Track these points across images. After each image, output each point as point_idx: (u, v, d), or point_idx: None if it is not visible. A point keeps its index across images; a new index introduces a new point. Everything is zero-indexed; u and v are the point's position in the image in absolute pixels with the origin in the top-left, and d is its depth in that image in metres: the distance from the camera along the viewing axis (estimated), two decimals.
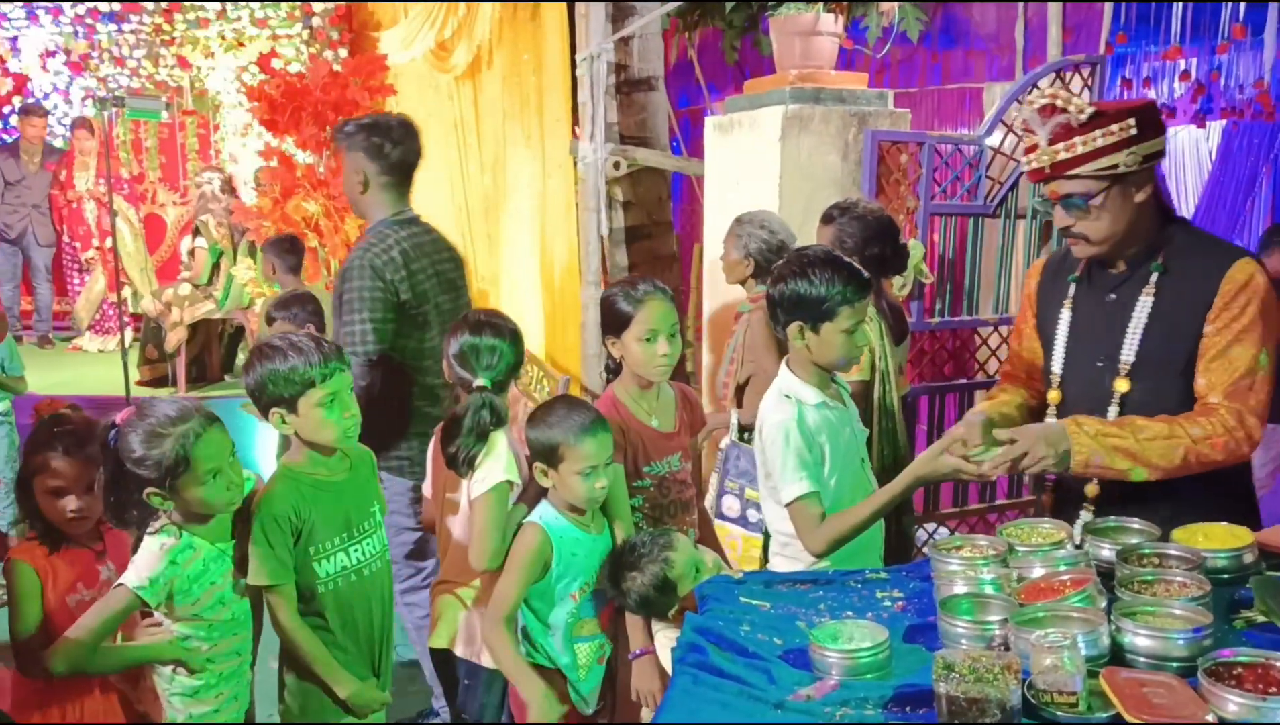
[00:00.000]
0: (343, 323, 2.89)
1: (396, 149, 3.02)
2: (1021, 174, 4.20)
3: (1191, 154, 9.68)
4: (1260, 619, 1.64)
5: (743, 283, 3.50)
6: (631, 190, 5.14)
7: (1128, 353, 2.09)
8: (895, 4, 4.38)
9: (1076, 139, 1.99)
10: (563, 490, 2.22)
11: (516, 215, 6.99)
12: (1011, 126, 4.16)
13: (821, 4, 4.07)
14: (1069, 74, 4.06)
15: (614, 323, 2.37)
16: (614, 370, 2.48)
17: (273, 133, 6.19)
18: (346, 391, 2.19)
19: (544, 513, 2.26)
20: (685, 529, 2.45)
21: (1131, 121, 1.98)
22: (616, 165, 4.82)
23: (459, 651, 2.42)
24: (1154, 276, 2.09)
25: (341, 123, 3.19)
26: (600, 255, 5.11)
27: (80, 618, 2.01)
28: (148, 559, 2.02)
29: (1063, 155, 2.01)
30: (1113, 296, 2.15)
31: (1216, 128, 8.91)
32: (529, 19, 5.77)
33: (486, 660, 2.36)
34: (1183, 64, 6.98)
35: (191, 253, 6.12)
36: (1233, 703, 1.33)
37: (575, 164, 5.06)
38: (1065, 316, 2.24)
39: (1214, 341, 2.02)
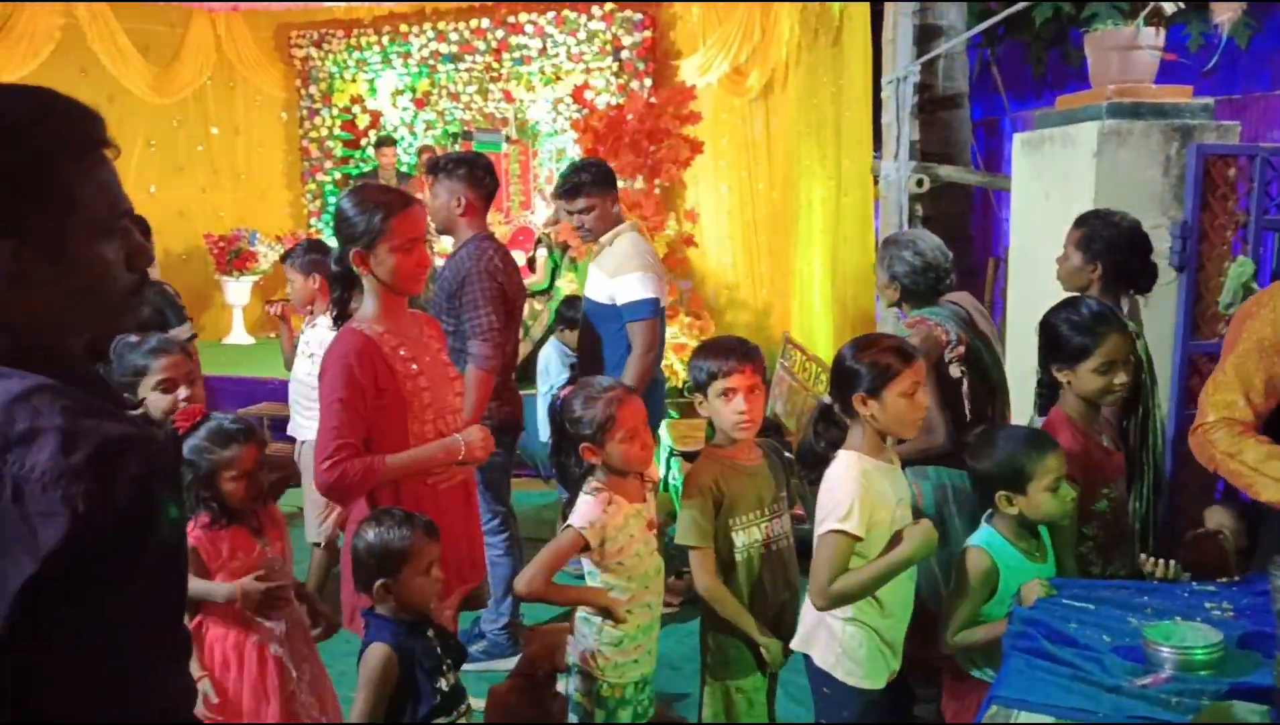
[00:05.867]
0: (474, 316, 3.46)
1: (488, 182, 3.64)
2: None
3: None
4: None
5: (896, 306, 3.31)
6: (933, 206, 5.24)
7: None
8: (1232, 11, 4.19)
9: None
10: (1032, 510, 2.28)
11: (806, 231, 7.24)
12: None
13: (1140, 18, 4.00)
14: None
15: (1066, 353, 2.52)
16: (1052, 387, 2.62)
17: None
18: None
19: (989, 538, 2.33)
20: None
21: None
22: (920, 182, 4.94)
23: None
24: None
25: (438, 157, 3.79)
26: None
27: (538, 554, 2.43)
28: (587, 507, 2.42)
29: None
30: None
31: None
32: (830, 44, 5.99)
33: None
34: None
35: (531, 261, 6.83)
36: None
37: (876, 182, 5.23)
38: None
39: None
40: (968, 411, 3.04)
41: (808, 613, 2.43)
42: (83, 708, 0.99)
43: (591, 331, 3.98)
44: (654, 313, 3.81)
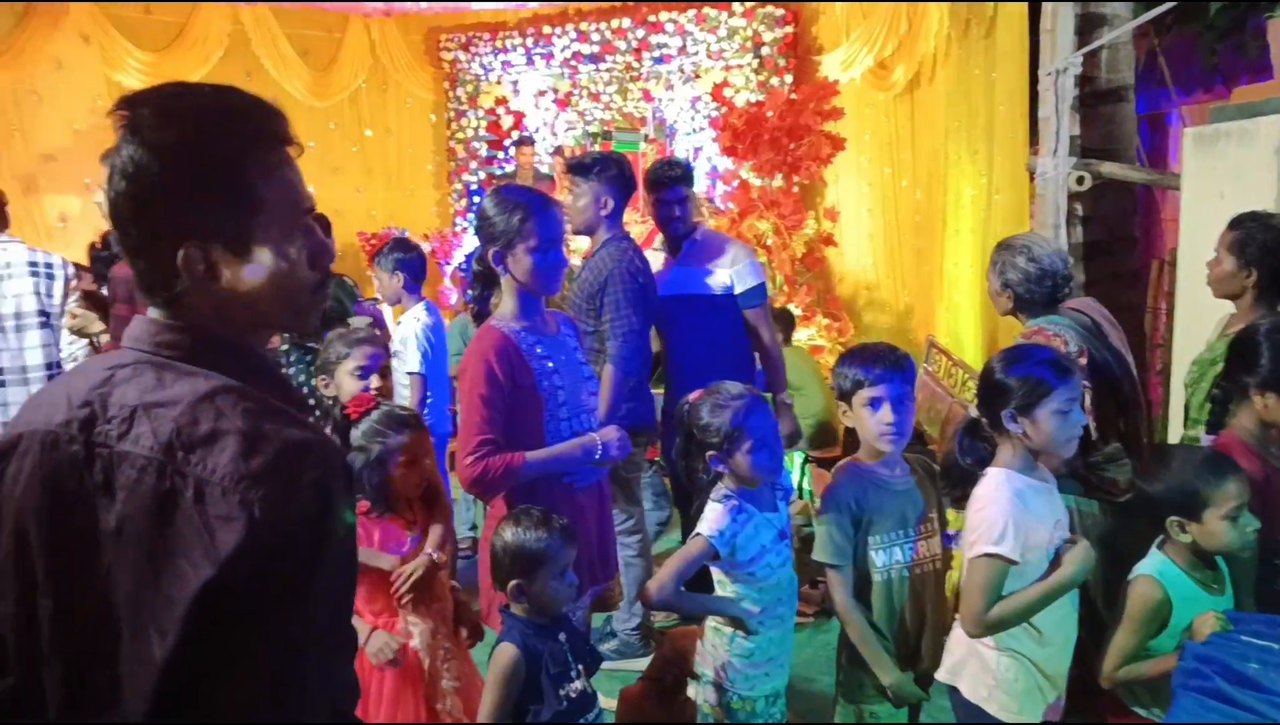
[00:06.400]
0: (615, 317, 3.47)
1: (631, 183, 3.67)
2: None
3: None
4: None
5: (1012, 315, 3.09)
6: (1093, 205, 4.93)
7: None
8: None
9: None
10: (1208, 539, 2.11)
11: (954, 231, 6.97)
12: None
13: None
14: None
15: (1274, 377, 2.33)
16: (1225, 404, 2.44)
17: (732, 159, 6.71)
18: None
19: (1162, 567, 2.18)
20: None
21: None
22: (1080, 180, 4.65)
23: None
24: None
25: (582, 157, 3.75)
26: None
27: (667, 561, 2.39)
28: (716, 515, 2.34)
29: None
30: None
31: None
32: (982, 35, 5.74)
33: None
34: None
35: None
36: None
37: (1031, 179, 4.96)
38: None
39: None
40: (1092, 429, 2.80)
41: (956, 641, 2.29)
42: (253, 704, 0.99)
43: (685, 326, 3.89)
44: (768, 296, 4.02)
